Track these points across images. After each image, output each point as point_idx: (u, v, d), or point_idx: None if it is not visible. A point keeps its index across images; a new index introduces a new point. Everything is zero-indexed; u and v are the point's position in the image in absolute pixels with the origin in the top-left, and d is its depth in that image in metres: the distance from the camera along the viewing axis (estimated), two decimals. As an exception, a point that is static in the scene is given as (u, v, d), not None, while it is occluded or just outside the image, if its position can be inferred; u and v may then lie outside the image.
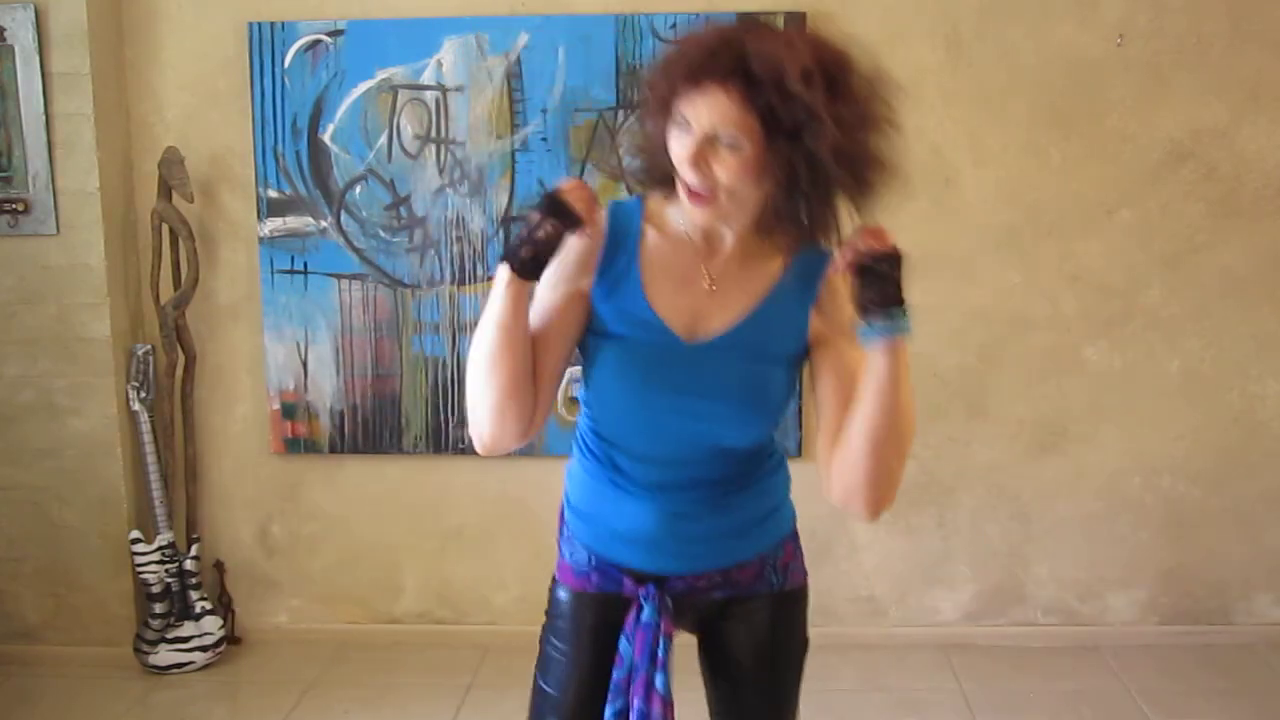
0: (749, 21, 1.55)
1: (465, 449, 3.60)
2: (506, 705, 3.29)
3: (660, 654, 1.69)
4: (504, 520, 3.67)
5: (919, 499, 3.61)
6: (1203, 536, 3.60)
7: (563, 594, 1.80)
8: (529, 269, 1.56)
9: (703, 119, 1.47)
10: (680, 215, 1.61)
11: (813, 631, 3.70)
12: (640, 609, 1.70)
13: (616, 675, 1.70)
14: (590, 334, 1.67)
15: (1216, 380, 3.53)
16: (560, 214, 1.54)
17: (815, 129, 1.44)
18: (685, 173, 1.52)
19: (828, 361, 1.63)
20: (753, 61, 1.44)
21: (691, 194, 1.53)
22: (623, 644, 1.71)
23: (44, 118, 3.34)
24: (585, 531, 1.78)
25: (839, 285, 1.60)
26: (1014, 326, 3.53)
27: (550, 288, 1.64)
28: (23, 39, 3.31)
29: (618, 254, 1.63)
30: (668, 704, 1.70)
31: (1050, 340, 3.53)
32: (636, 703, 1.68)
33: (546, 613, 1.83)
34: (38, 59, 3.31)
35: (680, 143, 1.51)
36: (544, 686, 1.78)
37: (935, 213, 3.47)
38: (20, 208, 3.38)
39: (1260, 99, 3.40)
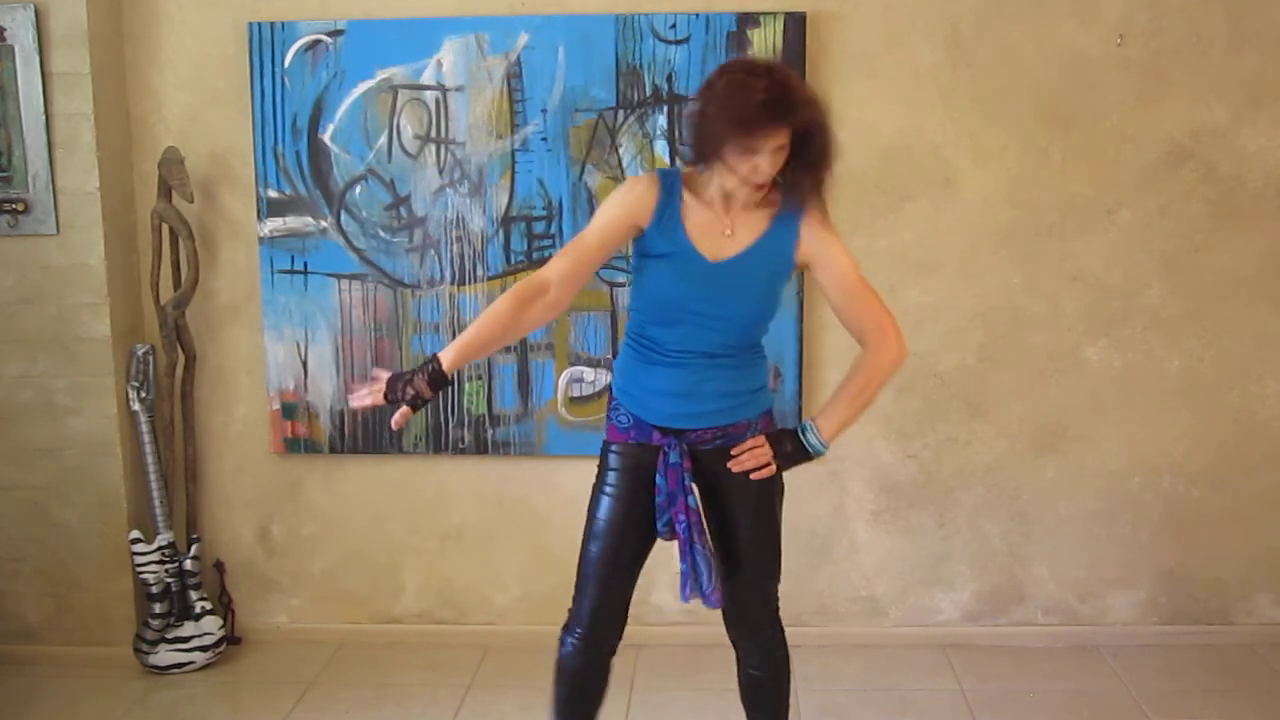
0: (790, 79, 2.25)
1: (465, 449, 3.60)
2: (506, 705, 3.30)
3: (687, 481, 2.39)
4: (504, 520, 3.67)
5: (919, 499, 3.62)
6: (1202, 536, 3.60)
7: (611, 448, 2.47)
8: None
9: (774, 144, 2.21)
10: (708, 186, 2.33)
11: (813, 631, 3.72)
12: (667, 455, 2.39)
13: (659, 500, 2.41)
14: (644, 256, 2.38)
15: (1216, 380, 3.53)
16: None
17: (812, 146, 2.27)
18: (758, 176, 2.24)
19: (824, 275, 2.38)
20: (799, 115, 2.21)
21: (757, 186, 2.28)
22: (658, 479, 2.41)
23: (44, 118, 3.34)
24: (629, 400, 2.45)
25: (815, 222, 2.35)
26: (1014, 326, 3.53)
27: (614, 217, 2.35)
28: (23, 39, 3.31)
29: (667, 202, 2.34)
30: (697, 512, 2.41)
31: (1050, 340, 3.53)
32: (680, 516, 2.38)
33: (599, 468, 2.49)
34: (38, 59, 3.31)
35: (759, 160, 2.22)
36: (595, 517, 2.46)
37: (935, 213, 3.48)
38: (20, 208, 3.38)
39: (1260, 99, 3.40)
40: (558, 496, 3.61)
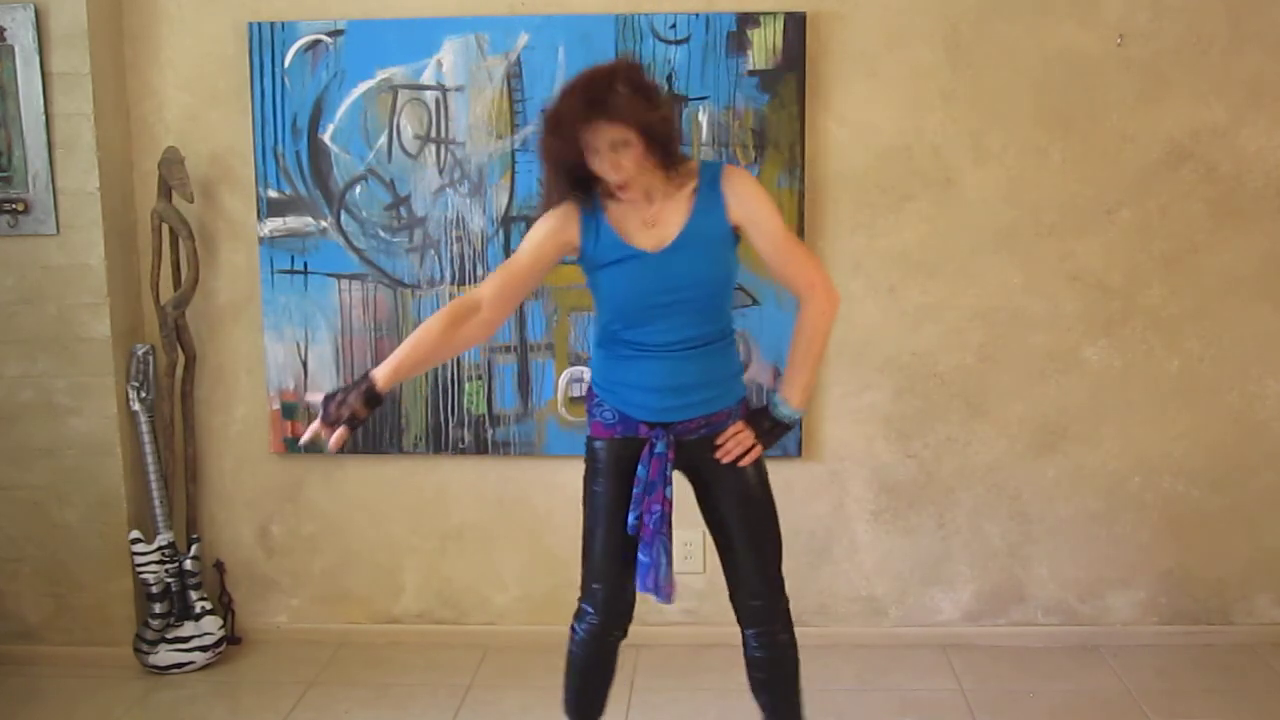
0: (596, 71, 2.33)
1: (465, 449, 3.60)
2: (506, 705, 3.30)
3: (668, 473, 2.46)
4: (504, 520, 3.67)
5: (919, 499, 3.62)
6: (1202, 536, 3.60)
7: (597, 444, 2.53)
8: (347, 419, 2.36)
9: (608, 139, 2.28)
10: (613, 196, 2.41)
11: (813, 631, 3.74)
12: (653, 446, 2.45)
13: (635, 491, 2.46)
14: (592, 271, 2.45)
15: (1216, 380, 3.53)
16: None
17: (654, 120, 2.31)
18: (609, 178, 2.33)
19: (754, 234, 2.44)
20: (609, 104, 2.26)
21: (618, 188, 2.36)
22: (640, 470, 2.46)
23: (44, 118, 3.34)
24: (612, 397, 2.50)
25: (735, 184, 2.42)
26: (1014, 326, 3.53)
27: (542, 237, 2.44)
28: (23, 39, 3.31)
29: (591, 216, 2.42)
30: (671, 504, 2.47)
31: (1050, 340, 3.53)
32: (655, 507, 2.44)
33: (587, 463, 2.54)
34: (38, 59, 3.31)
35: (598, 162, 2.31)
36: (590, 513, 2.54)
37: (935, 213, 3.48)
38: (20, 208, 3.38)
39: (1260, 99, 3.40)
40: (558, 496, 3.60)
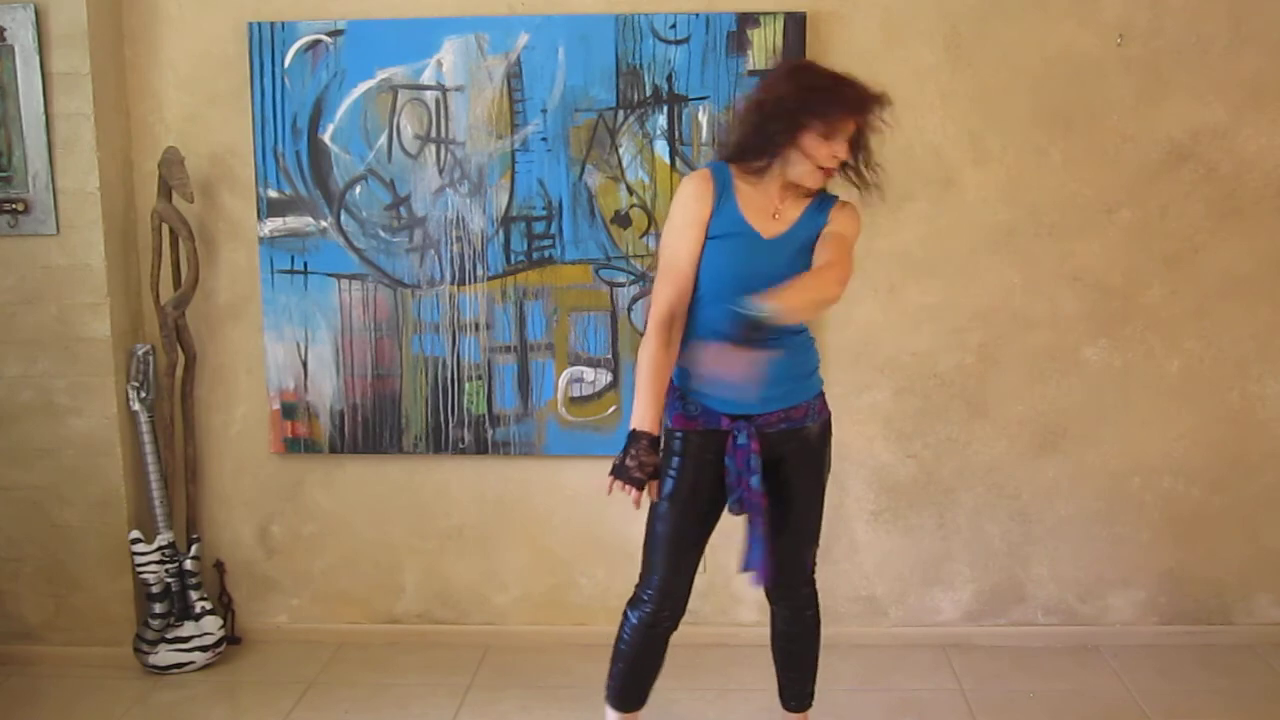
0: (855, 82, 2.52)
1: (465, 449, 3.60)
2: (506, 705, 3.30)
3: (753, 463, 2.54)
4: (504, 520, 3.67)
5: (919, 499, 3.62)
6: (1202, 536, 3.60)
7: (678, 434, 2.61)
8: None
9: (848, 131, 2.51)
10: (764, 174, 2.56)
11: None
12: (735, 439, 2.56)
13: (729, 480, 2.56)
14: (707, 240, 2.56)
15: (1216, 380, 3.53)
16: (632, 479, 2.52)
17: (863, 138, 2.57)
18: (827, 161, 2.51)
19: (823, 234, 2.59)
20: (859, 108, 2.50)
21: (826, 172, 2.54)
22: (728, 461, 2.56)
23: (44, 118, 3.34)
24: (695, 392, 2.59)
25: (842, 209, 2.62)
26: (1014, 326, 3.53)
27: (686, 231, 2.56)
28: (23, 39, 3.31)
29: (723, 190, 2.58)
30: (761, 494, 2.55)
31: (1050, 340, 3.53)
32: (744, 495, 2.55)
33: (665, 451, 2.60)
34: (38, 59, 3.32)
35: (825, 145, 2.49)
36: (663, 500, 2.59)
37: (935, 213, 3.48)
38: (20, 208, 3.38)
39: (1260, 99, 3.40)
40: (558, 496, 3.61)
